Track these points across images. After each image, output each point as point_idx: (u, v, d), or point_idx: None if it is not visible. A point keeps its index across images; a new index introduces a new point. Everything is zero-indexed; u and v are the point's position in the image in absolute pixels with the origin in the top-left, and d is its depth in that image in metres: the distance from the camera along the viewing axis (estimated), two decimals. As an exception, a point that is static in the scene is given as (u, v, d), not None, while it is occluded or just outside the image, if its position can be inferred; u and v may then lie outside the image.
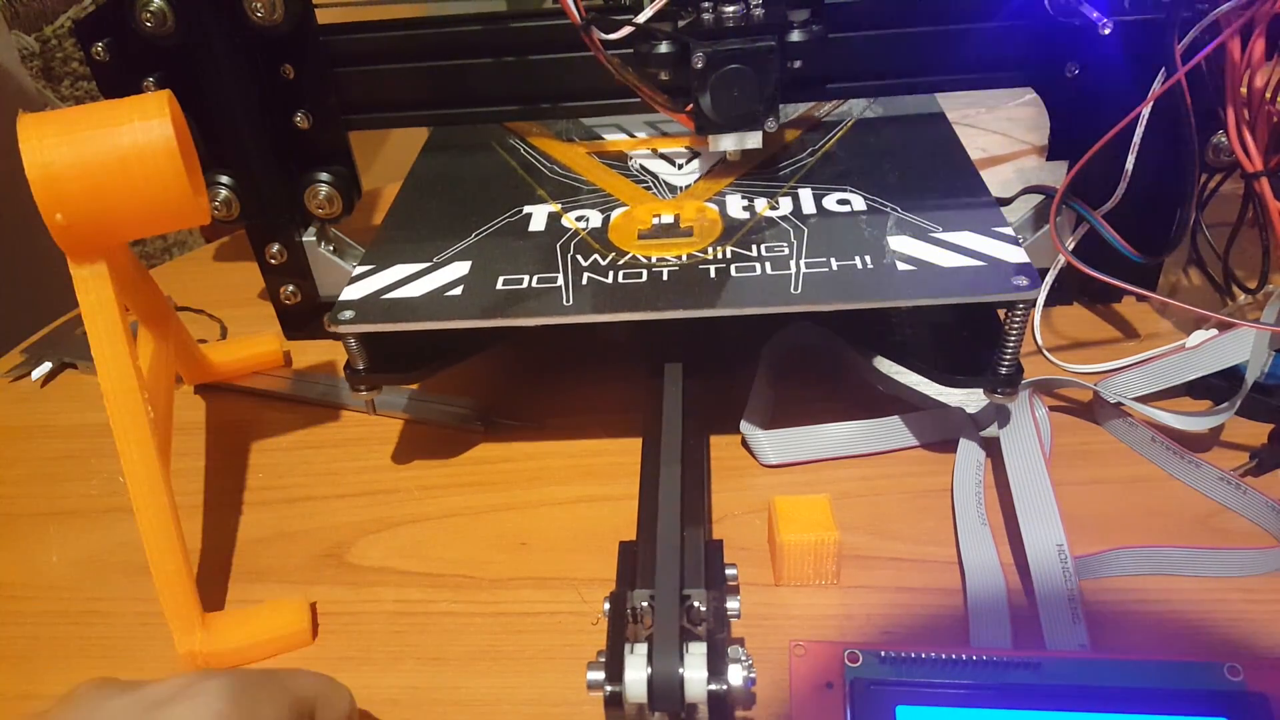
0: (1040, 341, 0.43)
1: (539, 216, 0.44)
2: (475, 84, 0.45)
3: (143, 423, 0.34)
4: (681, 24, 0.40)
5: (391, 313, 0.38)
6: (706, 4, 0.39)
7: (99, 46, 0.42)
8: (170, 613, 0.34)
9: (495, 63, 0.44)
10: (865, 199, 0.42)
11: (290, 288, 0.49)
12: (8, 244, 0.73)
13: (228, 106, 0.43)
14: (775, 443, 0.41)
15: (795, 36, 0.40)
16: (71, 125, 0.32)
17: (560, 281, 0.39)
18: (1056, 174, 0.42)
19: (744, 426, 0.42)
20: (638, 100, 0.41)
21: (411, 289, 0.39)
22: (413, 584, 0.38)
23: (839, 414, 0.42)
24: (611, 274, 0.39)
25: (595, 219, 0.43)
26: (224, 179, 0.45)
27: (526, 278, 0.39)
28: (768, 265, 0.38)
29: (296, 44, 0.43)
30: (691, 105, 0.41)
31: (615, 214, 0.43)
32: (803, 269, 0.38)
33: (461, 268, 0.40)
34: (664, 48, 0.40)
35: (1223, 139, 0.40)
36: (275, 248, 0.48)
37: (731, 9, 0.39)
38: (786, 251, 0.39)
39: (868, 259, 0.38)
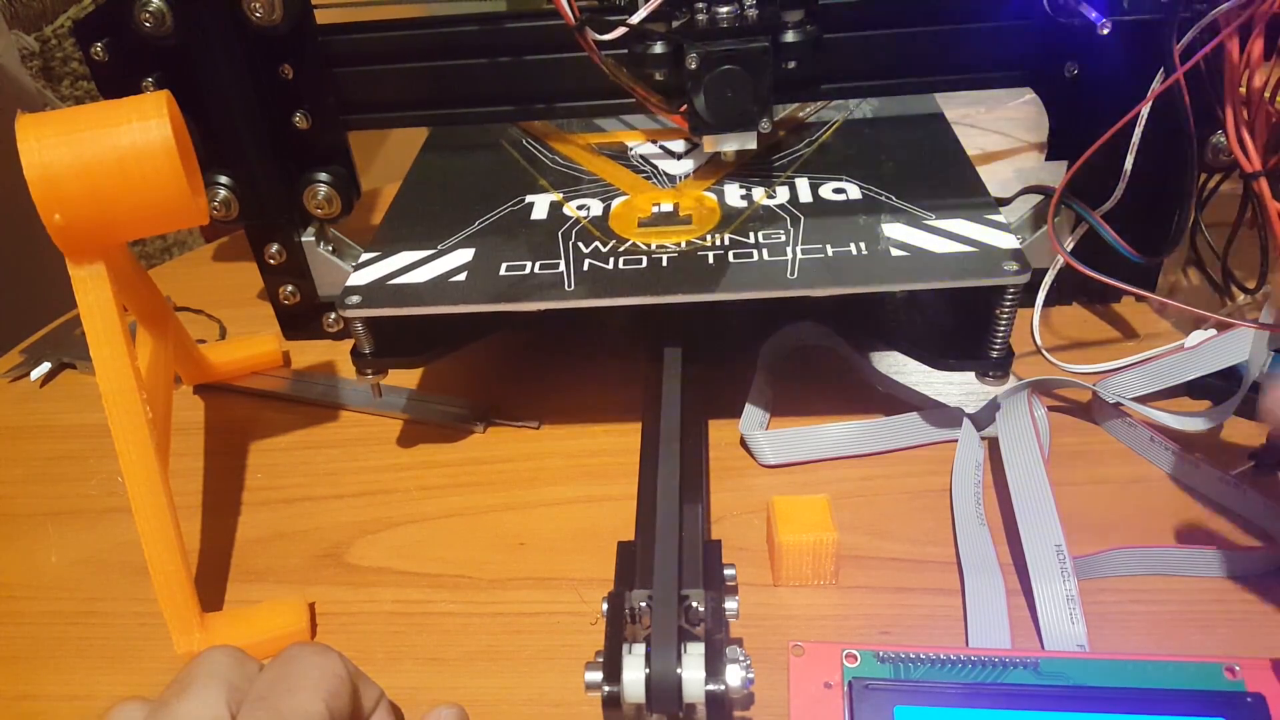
0: (1039, 341, 0.43)
1: (541, 205, 0.44)
2: (475, 84, 0.45)
3: (141, 423, 0.34)
4: (676, 25, 0.40)
5: (397, 298, 0.39)
6: (701, 4, 0.39)
7: (98, 46, 0.42)
8: (169, 613, 0.34)
9: (495, 63, 0.44)
10: (861, 188, 0.43)
11: (289, 288, 0.49)
12: (7, 244, 0.73)
13: (226, 107, 0.43)
14: (774, 443, 0.41)
15: (789, 37, 0.40)
16: (70, 126, 0.32)
17: (562, 268, 0.39)
18: (1055, 174, 0.42)
19: (743, 426, 0.42)
20: (636, 100, 0.41)
21: (417, 275, 0.40)
22: (411, 584, 0.38)
23: (838, 414, 0.42)
24: (612, 260, 0.39)
25: (596, 208, 0.43)
26: (223, 179, 0.45)
27: (529, 264, 0.40)
28: (765, 252, 0.39)
29: (295, 44, 0.43)
30: (686, 106, 0.41)
31: (616, 203, 0.44)
32: (799, 255, 0.38)
33: (465, 254, 0.41)
34: (658, 48, 0.40)
35: (1221, 139, 0.40)
36: (274, 248, 0.48)
37: (725, 10, 0.39)
38: (783, 239, 0.40)
39: (862, 245, 0.39)
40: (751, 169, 0.46)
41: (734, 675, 0.27)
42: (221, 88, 0.43)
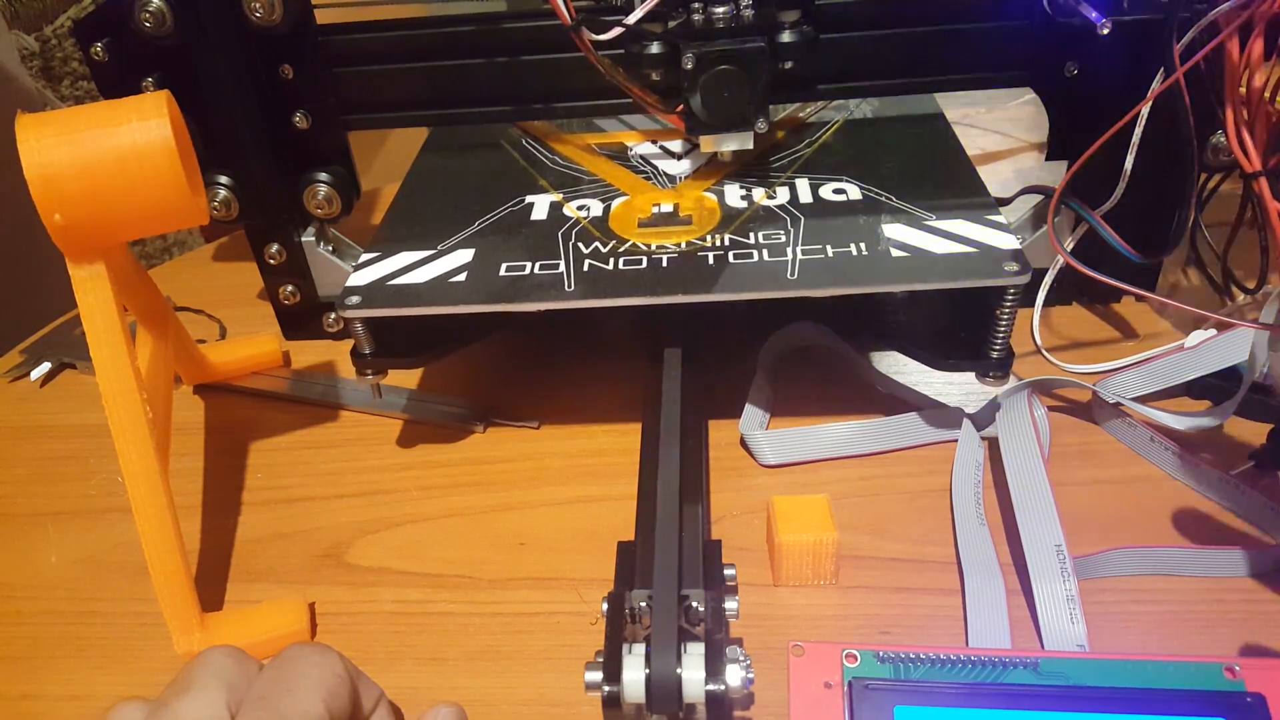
0: (1039, 341, 0.43)
1: (541, 206, 0.44)
2: (474, 84, 0.45)
3: (141, 423, 0.34)
4: (672, 25, 0.40)
5: (397, 298, 0.39)
6: (697, 5, 0.39)
7: (98, 46, 0.42)
8: (169, 613, 0.34)
9: (495, 63, 0.44)
10: (861, 189, 0.43)
11: (289, 288, 0.49)
12: (7, 244, 0.73)
13: (227, 107, 0.43)
14: (774, 443, 0.41)
15: (786, 37, 0.40)
16: (70, 126, 0.32)
17: (562, 268, 0.39)
18: (1056, 174, 0.42)
19: (743, 426, 0.42)
20: (633, 100, 0.41)
21: (416, 275, 0.40)
22: (411, 584, 0.38)
23: (838, 414, 0.42)
24: (612, 261, 0.39)
25: (596, 208, 0.43)
26: (223, 179, 0.45)
27: (529, 265, 0.40)
28: (765, 252, 0.39)
29: (295, 44, 0.43)
30: (682, 106, 0.41)
31: (616, 203, 0.44)
32: (799, 255, 0.38)
33: (465, 255, 0.41)
34: (655, 48, 0.40)
35: (1221, 139, 0.40)
36: (274, 248, 0.48)
37: (721, 10, 0.39)
38: (783, 239, 0.40)
39: (862, 246, 0.39)
40: (751, 169, 0.46)
41: (734, 675, 0.27)
42: (221, 88, 0.43)
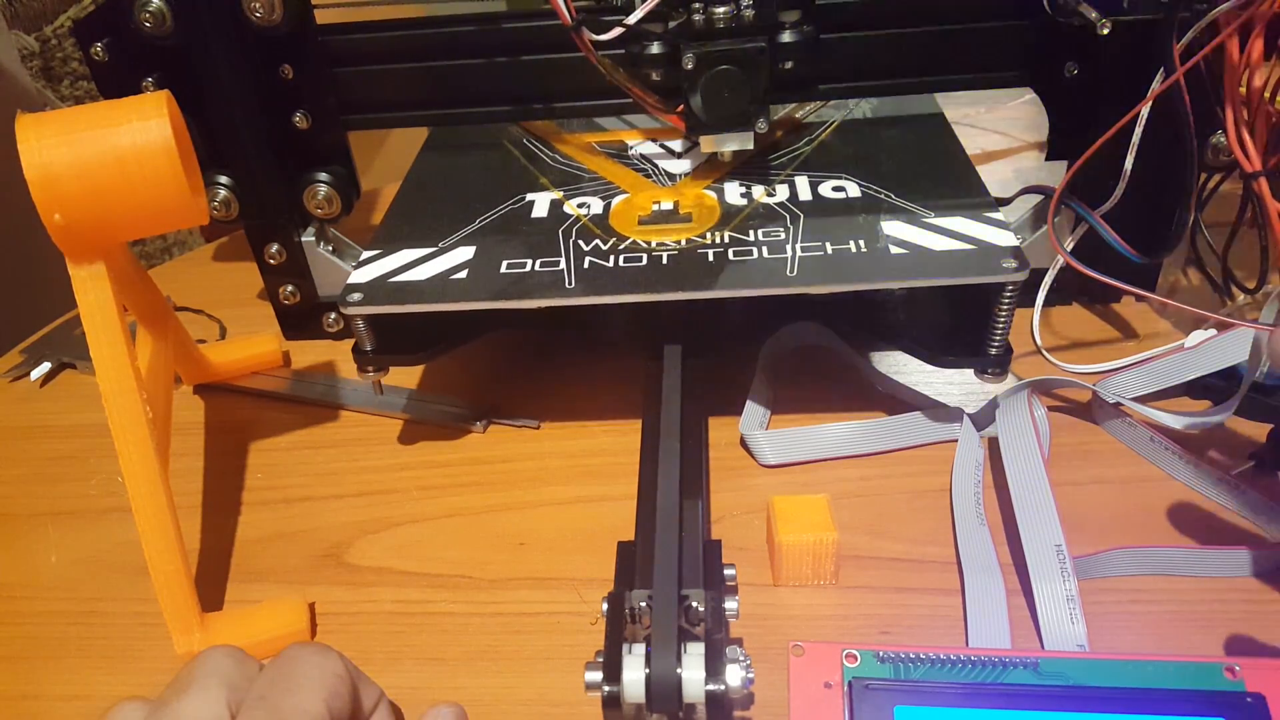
0: (1039, 341, 0.43)
1: (541, 204, 0.44)
2: (475, 84, 0.45)
3: (141, 423, 0.34)
4: (672, 25, 0.40)
5: (398, 295, 0.39)
6: (697, 5, 0.39)
7: (98, 47, 0.42)
8: (169, 613, 0.34)
9: (494, 63, 0.44)
10: (860, 186, 0.43)
11: (289, 288, 0.49)
12: (7, 244, 0.73)
13: (227, 107, 0.43)
14: (774, 443, 0.41)
15: (786, 37, 0.40)
16: (70, 126, 0.32)
17: (562, 265, 0.39)
18: (1056, 174, 0.42)
19: (743, 426, 0.42)
20: (633, 100, 0.41)
21: (417, 272, 0.40)
22: (411, 584, 0.38)
23: (838, 414, 0.42)
24: (613, 258, 0.39)
25: (596, 206, 0.44)
26: (223, 179, 0.45)
27: (530, 262, 0.40)
28: (764, 249, 0.39)
29: (295, 44, 0.43)
30: (682, 106, 0.41)
31: (616, 201, 0.44)
32: (798, 252, 0.39)
33: (466, 252, 0.41)
34: (655, 48, 0.40)
35: (1221, 139, 0.40)
36: (274, 248, 0.48)
37: (722, 10, 0.39)
38: (783, 236, 0.40)
39: (861, 243, 0.39)
40: (751, 167, 0.46)
41: (734, 675, 0.27)
42: (221, 88, 0.43)
